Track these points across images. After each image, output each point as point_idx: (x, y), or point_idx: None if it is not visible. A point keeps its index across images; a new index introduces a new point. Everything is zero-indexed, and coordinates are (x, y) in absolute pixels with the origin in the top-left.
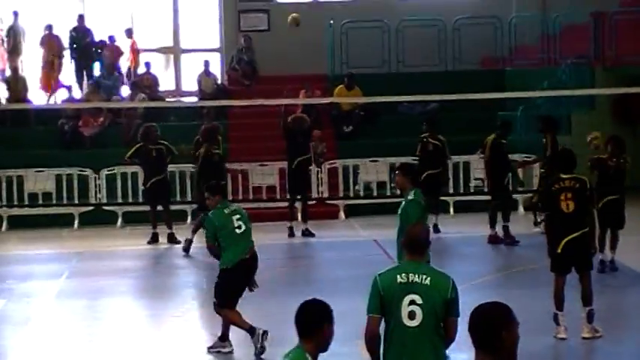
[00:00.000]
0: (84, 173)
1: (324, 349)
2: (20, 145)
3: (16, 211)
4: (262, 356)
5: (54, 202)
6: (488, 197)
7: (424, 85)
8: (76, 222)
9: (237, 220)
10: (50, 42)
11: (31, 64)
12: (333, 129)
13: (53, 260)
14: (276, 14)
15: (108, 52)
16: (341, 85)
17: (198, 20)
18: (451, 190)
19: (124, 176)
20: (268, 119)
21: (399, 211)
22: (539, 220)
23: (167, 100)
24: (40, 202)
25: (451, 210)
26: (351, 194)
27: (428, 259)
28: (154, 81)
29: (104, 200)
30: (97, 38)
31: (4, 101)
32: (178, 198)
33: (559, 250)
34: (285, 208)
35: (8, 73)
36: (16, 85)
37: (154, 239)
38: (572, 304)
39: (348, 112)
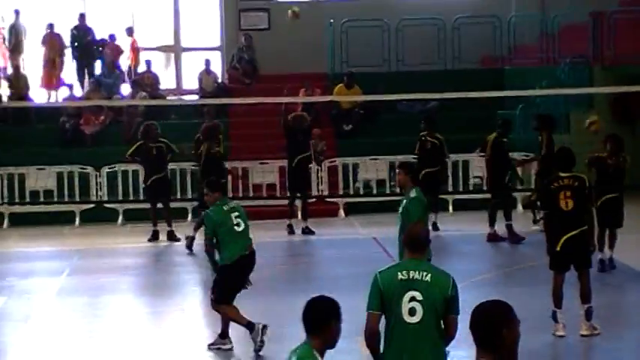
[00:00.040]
0: (85, 171)
1: (332, 345)
2: (22, 142)
3: (17, 209)
4: (262, 353)
5: (55, 199)
6: (487, 195)
7: (424, 83)
8: (77, 219)
9: (236, 217)
10: (51, 40)
11: (33, 62)
12: (333, 127)
13: (54, 257)
14: (277, 13)
15: (109, 50)
16: (341, 84)
17: (199, 19)
18: (450, 189)
19: (125, 174)
20: (268, 117)
21: (400, 210)
22: (538, 218)
23: (168, 98)
24: (42, 199)
25: (450, 208)
26: (351, 192)
27: (429, 257)
28: (154, 79)
29: (105, 198)
30: (98, 37)
31: (5, 99)
32: (179, 196)
33: (558, 248)
34: (285, 206)
35: (10, 71)
36: (18, 83)
37: (154, 237)
38: (570, 302)
39: (347, 111)
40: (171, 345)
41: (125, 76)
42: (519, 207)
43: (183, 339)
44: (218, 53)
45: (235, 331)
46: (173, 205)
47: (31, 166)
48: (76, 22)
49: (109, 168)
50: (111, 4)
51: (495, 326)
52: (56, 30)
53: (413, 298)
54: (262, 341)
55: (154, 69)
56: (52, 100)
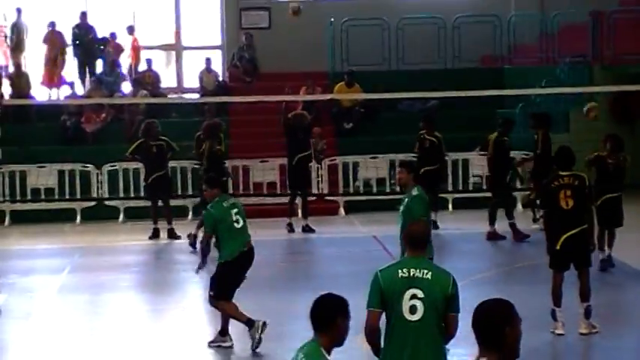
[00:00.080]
0: (86, 169)
1: (339, 343)
2: (23, 140)
3: (18, 206)
4: (262, 351)
5: (56, 197)
6: (487, 194)
7: (424, 82)
8: (78, 217)
9: (236, 214)
10: (53, 39)
11: (34, 60)
12: (333, 126)
13: (55, 255)
14: (277, 12)
15: (110, 49)
16: (341, 83)
17: (200, 18)
18: (450, 187)
19: (126, 172)
20: (269, 116)
21: (402, 208)
22: (537, 216)
23: (169, 96)
24: (43, 197)
25: (450, 207)
26: (351, 191)
27: (432, 255)
28: (155, 78)
29: (106, 196)
30: (99, 35)
31: (7, 97)
32: (179, 194)
33: (558, 247)
34: (286, 204)
35: (11, 69)
36: (20, 82)
37: (155, 235)
38: (569, 301)
39: (348, 109)
40: (171, 342)
41: (126, 75)
42: (519, 206)
43: (184, 336)
44: (219, 52)
45: (235, 328)
46: (174, 203)
47: (32, 164)
48: (78, 21)
49: (110, 166)
50: (112, 2)
51: (497, 324)
52: (58, 28)
53: (414, 296)
54: (260, 339)
55: (154, 67)
56: (54, 98)
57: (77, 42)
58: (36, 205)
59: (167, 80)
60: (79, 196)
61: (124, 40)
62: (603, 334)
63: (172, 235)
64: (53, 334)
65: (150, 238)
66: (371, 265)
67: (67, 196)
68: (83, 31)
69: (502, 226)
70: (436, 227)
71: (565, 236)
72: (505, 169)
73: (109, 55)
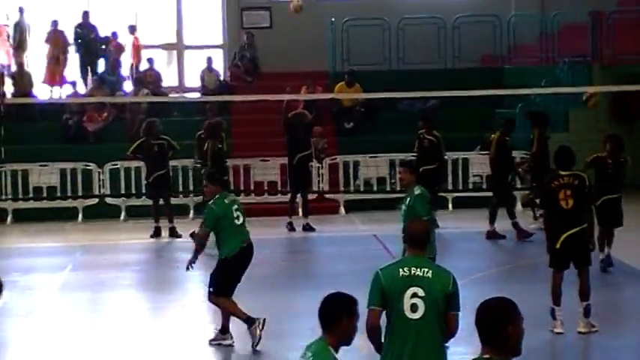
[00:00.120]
0: (88, 168)
1: (346, 342)
2: (25, 139)
3: (20, 205)
4: (263, 349)
5: (58, 195)
6: (486, 193)
7: (424, 82)
8: (80, 215)
9: (236, 210)
10: (55, 38)
11: (37, 59)
12: (333, 125)
13: (57, 253)
14: (278, 12)
15: (112, 48)
16: (342, 82)
17: (202, 17)
18: (450, 187)
19: (128, 171)
20: (270, 115)
21: (404, 208)
22: (537, 214)
23: (170, 95)
24: (45, 195)
25: (450, 206)
26: (352, 190)
27: (434, 254)
28: (156, 77)
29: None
30: (101, 35)
31: (9, 96)
32: (181, 191)
33: (558, 246)
34: (286, 203)
35: (14, 68)
36: (22, 81)
37: (156, 233)
38: (569, 300)
39: (348, 109)
40: (172, 340)
41: (127, 74)
42: (519, 205)
43: (185, 334)
44: (220, 51)
45: (236, 326)
46: (175, 201)
47: (34, 163)
48: (80, 20)
49: (112, 165)
50: (114, 2)
51: (501, 323)
52: (60, 27)
53: (415, 295)
54: (260, 336)
55: (156, 67)
56: (56, 97)
57: (79, 41)
58: (38, 203)
59: (168, 79)
60: (80, 195)
61: (126, 40)
62: (602, 333)
63: (173, 233)
64: (54, 332)
65: (151, 236)
66: (371, 263)
67: (69, 195)
68: (85, 30)
69: (502, 225)
70: (436, 226)
71: (565, 235)
72: (507, 168)
73: (111, 55)
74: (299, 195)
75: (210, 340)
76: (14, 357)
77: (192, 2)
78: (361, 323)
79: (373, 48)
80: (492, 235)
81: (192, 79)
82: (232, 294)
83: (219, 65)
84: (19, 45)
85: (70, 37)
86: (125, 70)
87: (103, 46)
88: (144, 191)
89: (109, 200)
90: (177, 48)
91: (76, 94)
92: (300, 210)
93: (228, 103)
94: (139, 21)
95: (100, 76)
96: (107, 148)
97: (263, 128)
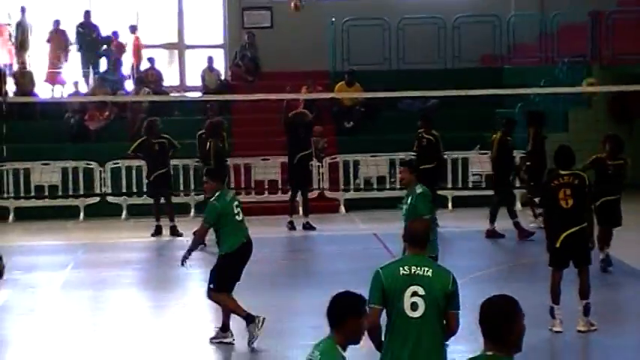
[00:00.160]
0: (89, 166)
1: (354, 341)
2: (27, 138)
3: (22, 203)
4: (263, 348)
5: (60, 194)
6: (486, 192)
7: (424, 82)
8: (82, 214)
9: (236, 207)
10: (57, 37)
11: (39, 59)
12: (334, 125)
13: (59, 251)
14: (279, 11)
15: (113, 47)
16: (342, 82)
17: (203, 17)
18: (450, 186)
19: (129, 169)
20: (271, 114)
21: (406, 207)
22: (537, 212)
23: (171, 95)
24: (46, 194)
25: (450, 205)
26: (352, 189)
27: (436, 253)
28: (158, 76)
29: (109, 193)
30: (103, 34)
31: (12, 95)
32: (182, 190)
33: (557, 245)
34: (287, 202)
35: (16, 67)
36: (24, 80)
37: (157, 232)
38: (568, 299)
39: (349, 108)
40: (173, 338)
41: (128, 73)
42: (518, 205)
43: (185, 333)
44: (221, 51)
45: (236, 324)
46: (176, 200)
47: (36, 161)
48: (82, 20)
49: (113, 163)
50: (116, 1)
51: (507, 320)
52: (62, 27)
53: (415, 293)
54: (257, 335)
55: (157, 66)
56: (58, 96)
57: (81, 41)
58: (39, 201)
59: (169, 79)
60: (82, 193)
61: (127, 39)
62: (601, 331)
63: (175, 232)
64: (56, 330)
65: (152, 235)
66: (371, 262)
67: (71, 193)
68: (87, 29)
69: (501, 224)
70: (436, 225)
71: (565, 234)
72: (508, 168)
73: (112, 54)
74: (299, 194)
75: (211, 338)
76: (16, 355)
77: (194, 2)
78: None
79: (373, 48)
80: (492, 234)
81: (193, 79)
82: (232, 291)
83: (220, 65)
84: (21, 44)
85: (72, 36)
86: (126, 70)
87: (105, 46)
88: (145, 190)
89: (110, 199)
90: (179, 47)
91: (77, 93)
92: (301, 209)
93: (229, 103)
94: (141, 20)
95: (101, 75)
96: (108, 146)
97: (264, 127)
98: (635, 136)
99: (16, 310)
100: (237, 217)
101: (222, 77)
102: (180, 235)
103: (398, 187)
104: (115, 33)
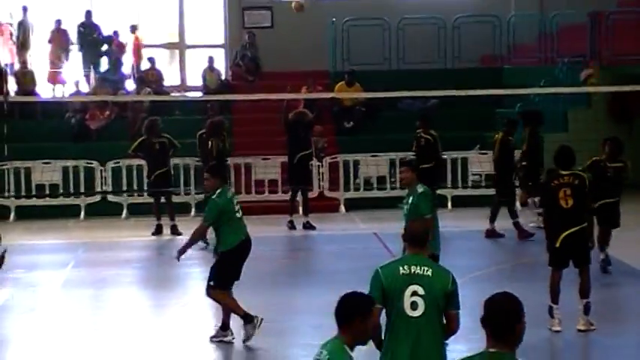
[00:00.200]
0: (90, 165)
1: (361, 341)
2: (28, 137)
3: (23, 202)
4: (263, 346)
5: (61, 193)
6: (486, 192)
7: (424, 82)
8: (82, 213)
9: (236, 204)
10: (58, 37)
11: (40, 58)
12: (334, 124)
13: (59, 250)
14: (280, 11)
15: (114, 47)
16: (342, 82)
17: (203, 17)
18: (449, 185)
19: (130, 169)
20: (271, 114)
21: (407, 206)
22: (537, 211)
23: (172, 94)
24: (47, 193)
25: (449, 204)
26: (352, 188)
27: (438, 252)
28: (158, 76)
29: (110, 193)
30: (104, 34)
31: (13, 94)
32: (182, 191)
33: (557, 245)
34: (287, 201)
35: (17, 67)
36: (25, 79)
37: (158, 231)
38: (568, 298)
39: (349, 108)
40: (173, 337)
41: (129, 73)
42: (517, 205)
43: (186, 331)
44: (222, 51)
45: (237, 323)
46: (176, 199)
47: (37, 161)
48: (83, 19)
49: (114, 162)
50: (117, 1)
51: (513, 317)
52: (63, 26)
53: (415, 293)
54: (253, 334)
55: (158, 66)
56: (59, 95)
57: (82, 40)
58: (41, 200)
59: (170, 78)
60: (83, 192)
61: (127, 39)
62: (600, 331)
63: (175, 231)
64: (57, 329)
65: (153, 234)
66: (371, 262)
67: (72, 192)
68: (88, 29)
69: (501, 224)
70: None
71: (564, 234)
72: (510, 168)
73: (113, 54)
74: (299, 193)
75: (211, 337)
76: (17, 353)
77: (194, 2)
78: None
79: (373, 48)
80: (491, 234)
81: (194, 78)
82: (231, 287)
83: (220, 64)
84: (23, 44)
85: (73, 36)
86: (127, 69)
87: (106, 45)
88: (145, 189)
89: (110, 198)
90: (179, 47)
91: (78, 92)
92: (301, 208)
93: (230, 102)
94: (142, 20)
95: (102, 74)
96: (109, 146)
97: (264, 127)
98: (634, 136)
99: (17, 308)
100: (237, 214)
101: (223, 77)
102: (181, 234)
103: (398, 186)
104: (115, 33)
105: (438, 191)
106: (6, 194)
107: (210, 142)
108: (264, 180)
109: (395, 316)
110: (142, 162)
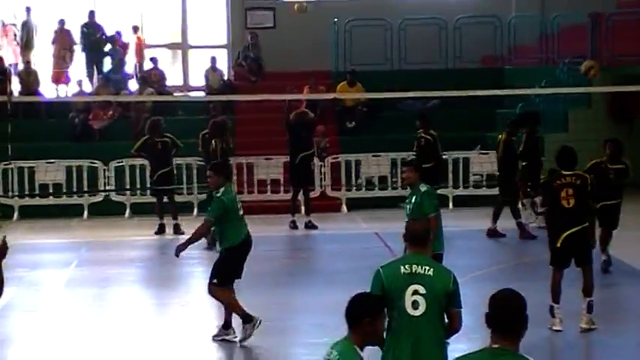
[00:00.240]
0: (93, 165)
1: (371, 342)
2: (32, 137)
3: (27, 201)
4: (264, 346)
5: (64, 192)
6: (487, 192)
7: (425, 82)
8: (86, 212)
9: (238, 202)
10: (62, 37)
11: (43, 58)
12: (336, 124)
13: (63, 249)
14: (282, 12)
15: (117, 47)
16: (344, 82)
17: (206, 17)
18: (451, 185)
19: (133, 168)
20: (273, 114)
21: (411, 206)
22: (538, 210)
23: (175, 94)
24: (51, 192)
25: (450, 204)
26: (353, 188)
27: (442, 251)
28: (161, 76)
29: (113, 193)
30: (107, 34)
31: (17, 94)
32: (185, 190)
33: (558, 245)
34: (289, 201)
35: (21, 67)
36: (29, 79)
37: (160, 230)
38: (568, 298)
39: (350, 108)
40: (176, 336)
41: (132, 73)
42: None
43: (188, 330)
44: (224, 51)
45: (238, 322)
46: (179, 199)
47: (40, 160)
48: (86, 19)
49: (117, 162)
50: (120, 1)
51: (520, 313)
52: (66, 27)
53: (416, 292)
54: (250, 334)
55: (160, 66)
56: (62, 95)
57: (85, 40)
58: (44, 200)
59: (173, 79)
60: (86, 192)
61: (130, 39)
62: (600, 330)
63: (178, 230)
64: (60, 328)
65: (155, 233)
66: (372, 261)
67: (75, 192)
68: (91, 29)
69: (503, 223)
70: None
71: (566, 234)
72: (513, 169)
73: (117, 54)
74: (301, 193)
75: (214, 336)
76: (20, 352)
77: (197, 2)
78: None
79: (375, 48)
80: (493, 234)
81: (197, 79)
82: (232, 284)
83: (223, 65)
84: (26, 44)
85: (77, 36)
86: (130, 69)
87: (109, 45)
88: (148, 188)
89: (114, 197)
90: (182, 47)
91: (81, 92)
92: (303, 208)
93: (232, 103)
94: (145, 20)
95: (105, 74)
96: (112, 145)
97: (266, 127)
98: (634, 136)
99: (20, 307)
100: (239, 212)
101: (226, 77)
102: (183, 233)
103: (399, 186)
104: (118, 33)
105: (439, 191)
106: (9, 194)
107: (213, 143)
108: (267, 180)
109: (396, 315)
110: (145, 162)
